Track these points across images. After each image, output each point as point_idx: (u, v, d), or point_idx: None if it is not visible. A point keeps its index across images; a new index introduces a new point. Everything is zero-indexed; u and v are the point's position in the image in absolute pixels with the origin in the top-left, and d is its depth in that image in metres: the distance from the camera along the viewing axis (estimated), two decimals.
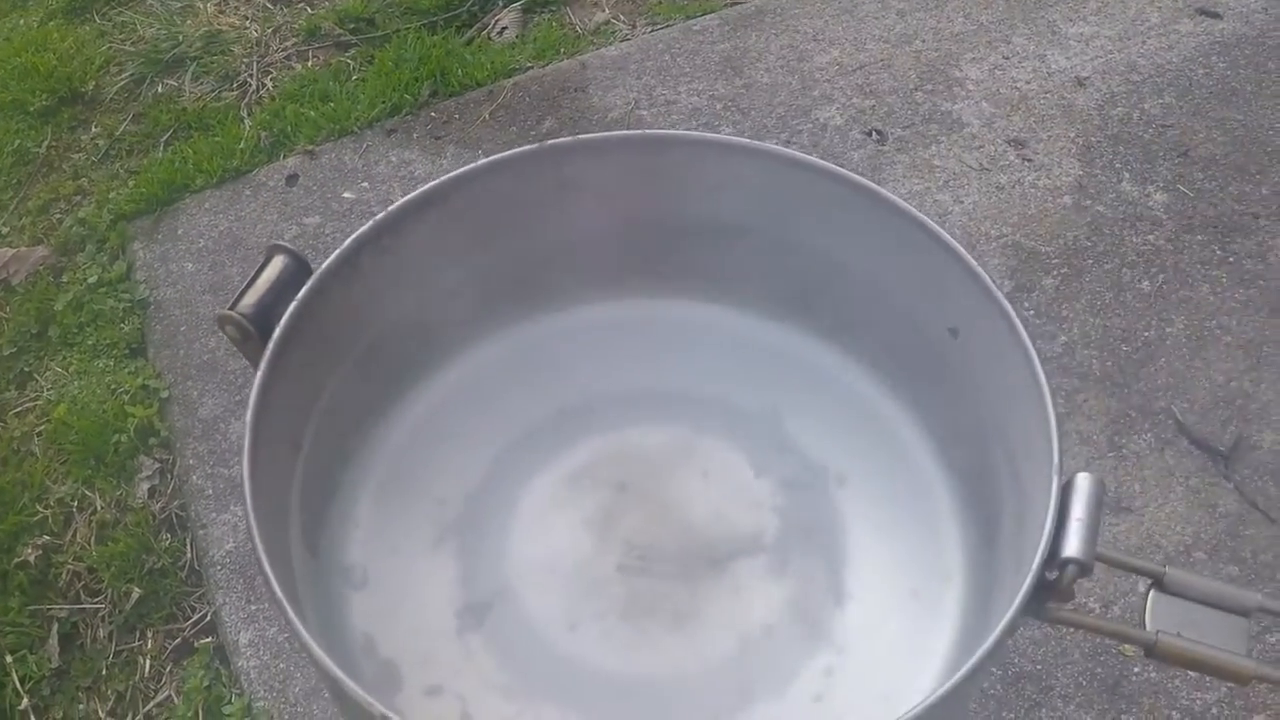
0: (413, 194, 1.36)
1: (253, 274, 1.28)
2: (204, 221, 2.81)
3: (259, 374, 1.22)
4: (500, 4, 3.33)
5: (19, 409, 2.53)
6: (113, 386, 2.50)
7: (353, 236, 1.33)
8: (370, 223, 1.34)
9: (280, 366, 1.24)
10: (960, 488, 1.42)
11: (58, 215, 2.89)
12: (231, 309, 1.25)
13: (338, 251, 1.32)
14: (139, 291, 2.67)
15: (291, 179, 2.87)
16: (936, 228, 1.33)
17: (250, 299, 1.26)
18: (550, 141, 1.40)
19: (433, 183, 1.37)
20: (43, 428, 2.48)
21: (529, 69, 3.11)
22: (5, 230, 2.88)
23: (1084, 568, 1.08)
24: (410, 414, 1.50)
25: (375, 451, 1.47)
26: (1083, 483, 1.13)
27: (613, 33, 3.22)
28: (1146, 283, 2.53)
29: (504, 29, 3.27)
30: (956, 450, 1.43)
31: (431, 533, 1.42)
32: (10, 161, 3.02)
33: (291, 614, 1.06)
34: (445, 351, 1.53)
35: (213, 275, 2.69)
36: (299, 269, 1.29)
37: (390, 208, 1.35)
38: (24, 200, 2.94)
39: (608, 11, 3.30)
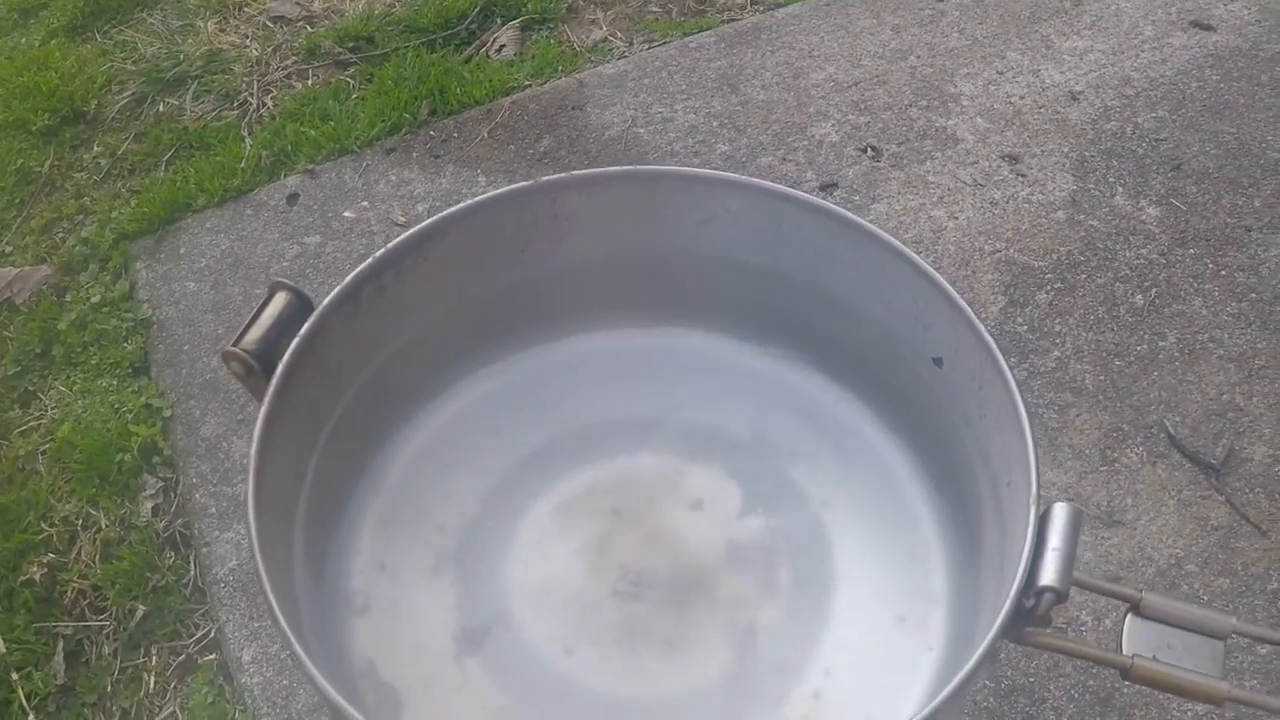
0: (411, 231, 1.40)
1: (255, 310, 1.31)
2: (206, 241, 2.84)
3: (263, 409, 1.25)
4: (499, 22, 3.35)
5: (23, 428, 2.56)
6: (116, 406, 2.52)
7: (353, 273, 1.36)
8: (370, 259, 1.37)
9: (284, 401, 1.27)
10: (945, 514, 1.45)
11: (60, 235, 2.92)
12: (235, 346, 1.28)
13: (339, 288, 1.35)
14: (142, 311, 2.70)
15: (292, 198, 2.90)
16: (919, 260, 1.36)
17: (254, 335, 1.29)
18: (545, 178, 1.44)
19: (430, 220, 1.40)
20: (47, 446, 2.51)
21: (527, 87, 3.14)
22: (9, 249, 2.90)
23: (1060, 595, 1.12)
24: (410, 444, 1.53)
25: (376, 481, 1.50)
26: (1060, 513, 1.17)
27: (610, 50, 3.25)
28: (1139, 297, 2.56)
29: (502, 47, 3.30)
30: (941, 477, 1.46)
31: (431, 559, 1.45)
32: (13, 181, 3.04)
33: (296, 644, 1.09)
34: (443, 383, 1.56)
35: (215, 294, 2.72)
36: (301, 305, 1.32)
37: (389, 245, 1.38)
38: (27, 219, 2.97)
39: (605, 29, 3.33)
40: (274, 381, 1.27)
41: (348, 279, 1.36)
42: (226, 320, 2.66)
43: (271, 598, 1.12)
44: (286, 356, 1.28)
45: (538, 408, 1.56)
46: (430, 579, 1.43)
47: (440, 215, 1.41)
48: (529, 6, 3.37)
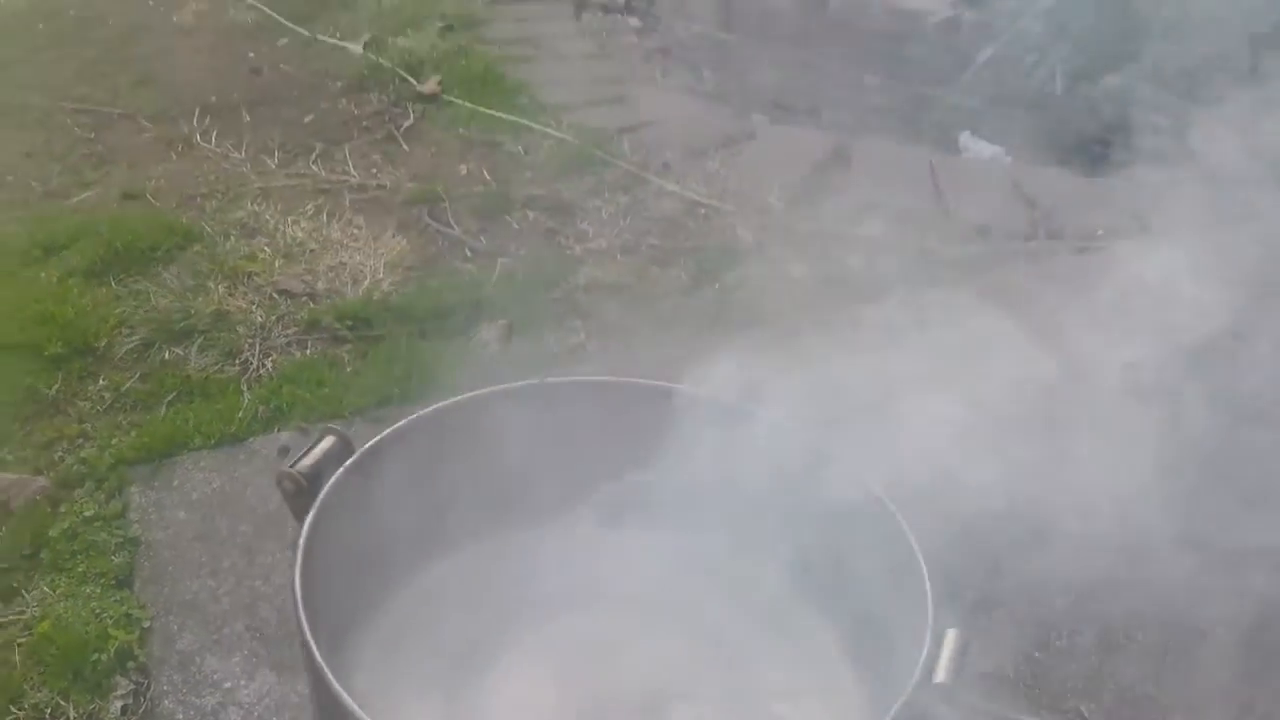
0: (422, 412, 1.75)
1: (308, 446, 1.59)
2: (199, 477, 3.03)
3: (308, 520, 1.50)
4: (486, 319, 3.59)
5: (2, 621, 2.67)
6: (98, 611, 2.65)
7: (381, 436, 1.67)
8: (390, 429, 1.72)
9: (323, 520, 1.53)
10: (859, 662, 1.74)
11: (59, 454, 3.11)
12: (291, 468, 1.53)
13: (369, 444, 1.64)
14: (132, 530, 2.87)
15: (284, 450, 3.08)
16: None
17: (306, 462, 1.58)
18: (547, 379, 1.90)
19: (432, 406, 1.77)
20: (24, 639, 2.61)
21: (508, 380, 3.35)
22: (9, 459, 3.08)
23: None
24: (417, 582, 1.80)
25: (384, 608, 1.76)
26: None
27: (584, 357, 3.51)
28: None
29: (487, 344, 3.54)
30: (853, 632, 1.76)
31: (424, 681, 1.70)
32: (20, 397, 3.26)
33: None
34: (448, 540, 1.84)
35: (203, 525, 2.90)
36: (344, 447, 1.60)
37: (401, 422, 1.73)
38: (29, 434, 3.16)
39: (583, 336, 3.59)
40: (318, 500, 1.52)
41: (378, 437, 1.62)
42: (212, 550, 2.82)
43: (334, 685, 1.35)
44: (329, 484, 1.54)
45: (523, 569, 1.85)
46: (421, 697, 1.66)
47: (439, 404, 1.78)
48: (513, 310, 3.64)
